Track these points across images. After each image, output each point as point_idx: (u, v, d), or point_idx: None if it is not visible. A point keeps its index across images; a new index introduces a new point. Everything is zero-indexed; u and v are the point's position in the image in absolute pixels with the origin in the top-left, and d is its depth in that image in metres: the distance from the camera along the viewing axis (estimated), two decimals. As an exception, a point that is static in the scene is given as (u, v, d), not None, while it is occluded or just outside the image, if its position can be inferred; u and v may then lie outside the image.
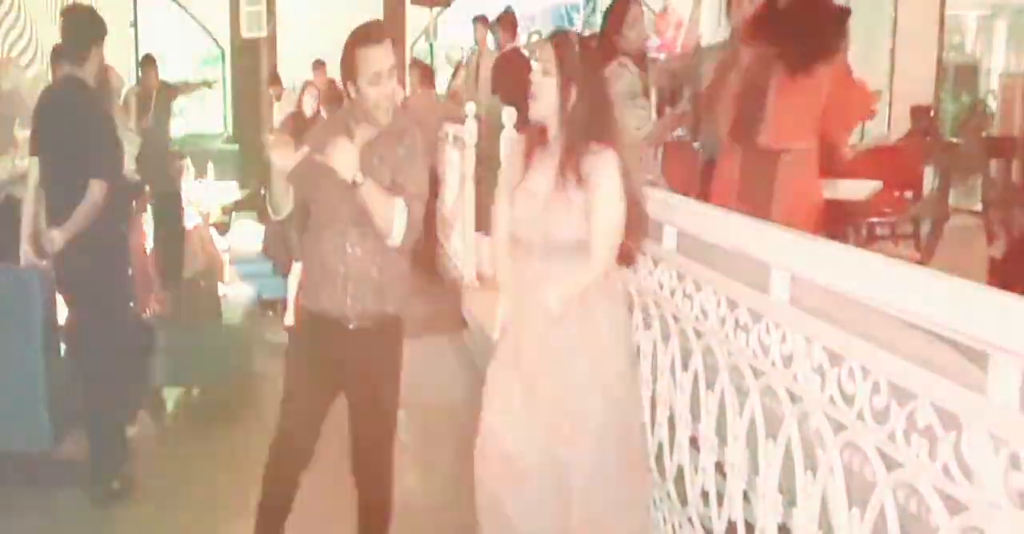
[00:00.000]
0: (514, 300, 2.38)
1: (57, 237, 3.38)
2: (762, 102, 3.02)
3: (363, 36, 2.38)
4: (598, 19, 8.65)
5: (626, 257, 2.34)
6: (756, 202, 3.01)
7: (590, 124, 2.19)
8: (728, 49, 3.33)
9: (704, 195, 3.37)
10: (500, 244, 2.41)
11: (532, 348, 2.28)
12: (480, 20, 8.48)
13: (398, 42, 12.75)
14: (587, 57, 2.24)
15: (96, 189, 3.36)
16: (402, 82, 7.47)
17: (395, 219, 2.38)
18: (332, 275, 2.48)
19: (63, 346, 3.82)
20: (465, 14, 11.60)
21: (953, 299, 1.40)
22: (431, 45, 12.48)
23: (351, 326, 2.50)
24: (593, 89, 2.21)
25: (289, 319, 5.46)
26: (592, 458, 2.23)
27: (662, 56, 7.65)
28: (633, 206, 2.27)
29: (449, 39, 12.02)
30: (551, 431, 2.24)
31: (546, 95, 2.19)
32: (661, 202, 2.80)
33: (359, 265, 2.47)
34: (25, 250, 3.62)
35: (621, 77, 3.91)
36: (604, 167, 2.19)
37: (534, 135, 2.30)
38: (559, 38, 2.25)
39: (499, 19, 8.21)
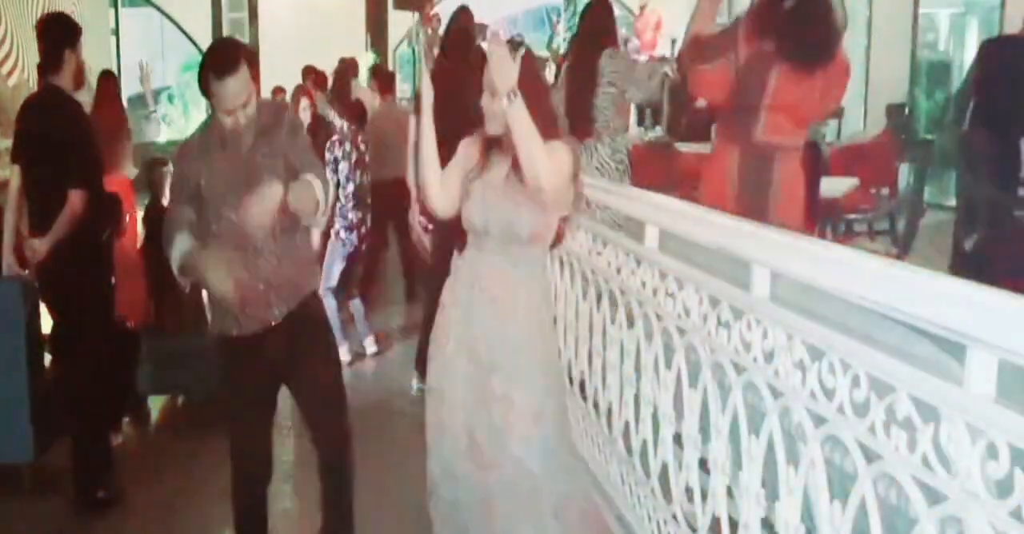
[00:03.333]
0: (463, 285, 2.38)
1: (39, 247, 3.36)
2: (760, 99, 3.01)
3: (208, 65, 2.40)
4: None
5: (558, 237, 2.42)
6: (755, 200, 3.01)
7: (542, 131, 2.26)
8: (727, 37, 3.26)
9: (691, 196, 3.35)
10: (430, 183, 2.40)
11: (483, 340, 2.31)
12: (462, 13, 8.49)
13: (380, 46, 12.74)
14: (528, 72, 2.29)
15: (75, 199, 3.34)
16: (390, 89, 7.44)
17: (319, 197, 2.40)
18: (253, 294, 2.47)
19: (47, 356, 3.80)
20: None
21: (930, 293, 1.42)
22: (413, 49, 12.47)
23: (272, 322, 2.53)
24: (536, 100, 2.26)
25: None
26: (548, 447, 2.30)
27: (642, 58, 7.68)
28: (567, 216, 2.38)
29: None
30: (505, 427, 2.29)
31: (497, 116, 2.26)
32: (643, 201, 2.82)
33: (276, 274, 2.50)
34: (7, 260, 3.60)
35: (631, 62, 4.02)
36: (557, 149, 2.26)
37: (488, 139, 2.37)
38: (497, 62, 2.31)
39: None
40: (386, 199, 5.41)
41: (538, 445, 2.29)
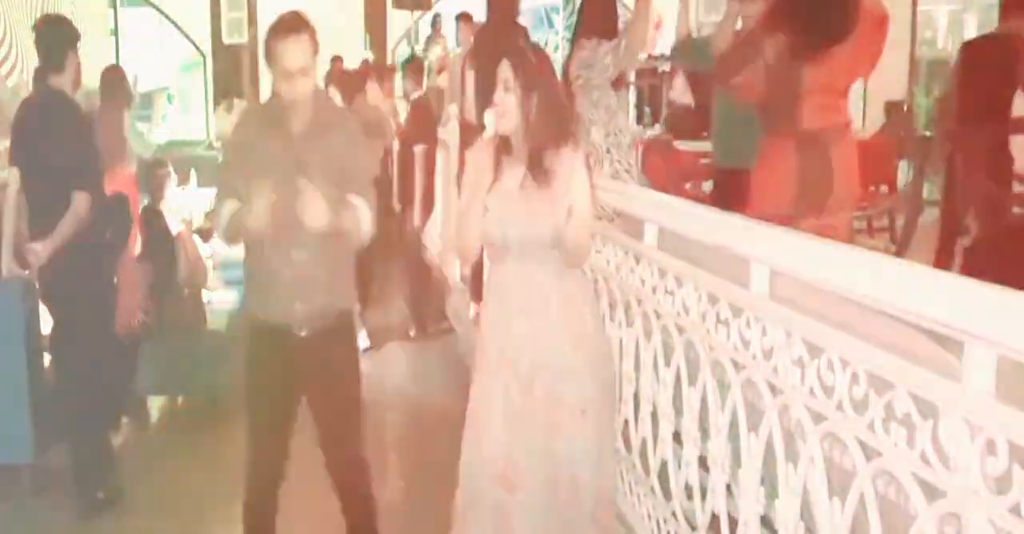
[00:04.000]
0: (493, 303, 2.38)
1: (41, 250, 3.35)
2: (796, 88, 3.00)
3: (281, 27, 2.41)
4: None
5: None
6: (818, 187, 3.00)
7: (551, 130, 2.27)
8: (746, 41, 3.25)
9: (737, 204, 3.29)
10: (473, 248, 2.40)
11: (521, 348, 2.28)
12: (463, 18, 8.45)
13: (379, 46, 12.78)
14: (543, 68, 2.30)
15: (80, 201, 3.34)
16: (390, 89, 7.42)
17: (363, 225, 2.40)
18: (278, 282, 2.45)
19: (47, 357, 3.80)
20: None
21: (928, 289, 1.41)
22: (412, 48, 12.47)
23: (303, 332, 2.48)
24: (551, 97, 2.28)
25: None
26: (592, 445, 2.27)
27: (642, 56, 7.67)
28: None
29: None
30: (549, 427, 2.26)
31: (510, 111, 2.26)
32: (642, 199, 2.82)
33: (305, 269, 2.45)
34: (7, 262, 3.59)
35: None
36: (573, 164, 2.27)
37: (500, 144, 2.34)
38: (515, 54, 2.32)
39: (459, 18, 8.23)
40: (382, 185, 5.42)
41: (582, 444, 2.26)
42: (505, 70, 2.26)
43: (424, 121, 6.72)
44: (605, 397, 2.34)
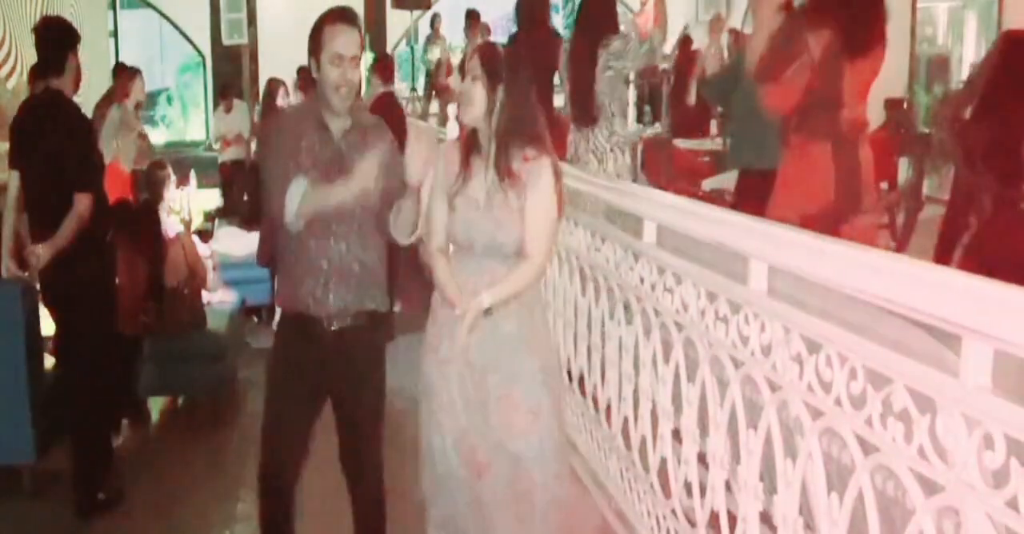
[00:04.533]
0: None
1: (43, 252, 3.35)
2: (839, 87, 3.00)
3: (335, 15, 2.43)
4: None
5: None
6: (850, 188, 3.00)
7: (519, 129, 2.28)
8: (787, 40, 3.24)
9: (750, 205, 3.28)
10: (437, 249, 2.43)
11: (477, 343, 2.29)
12: (472, 15, 8.45)
13: (379, 46, 12.79)
14: (512, 65, 2.31)
15: (82, 203, 3.34)
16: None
17: (416, 225, 2.41)
18: (314, 273, 2.45)
19: (48, 358, 3.80)
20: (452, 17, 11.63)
21: (925, 284, 1.41)
22: (412, 48, 12.47)
23: (333, 326, 2.47)
24: (518, 95, 2.28)
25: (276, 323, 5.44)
26: (546, 446, 2.30)
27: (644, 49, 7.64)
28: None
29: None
30: (502, 427, 2.29)
31: (476, 99, 2.27)
32: (641, 197, 2.82)
33: (342, 262, 2.45)
34: (6, 263, 3.59)
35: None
36: (539, 173, 2.28)
37: (468, 142, 2.36)
38: (484, 47, 2.37)
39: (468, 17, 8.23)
40: None
41: (536, 442, 2.29)
42: (474, 61, 2.30)
43: (385, 114, 6.75)
44: (554, 403, 2.37)
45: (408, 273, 5.40)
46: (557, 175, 2.31)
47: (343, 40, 2.39)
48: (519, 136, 2.28)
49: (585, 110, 4.17)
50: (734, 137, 4.38)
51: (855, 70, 2.99)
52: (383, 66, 6.91)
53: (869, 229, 2.92)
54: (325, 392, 2.57)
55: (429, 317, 2.43)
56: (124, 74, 6.93)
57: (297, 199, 2.37)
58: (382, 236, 2.50)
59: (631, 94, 5.20)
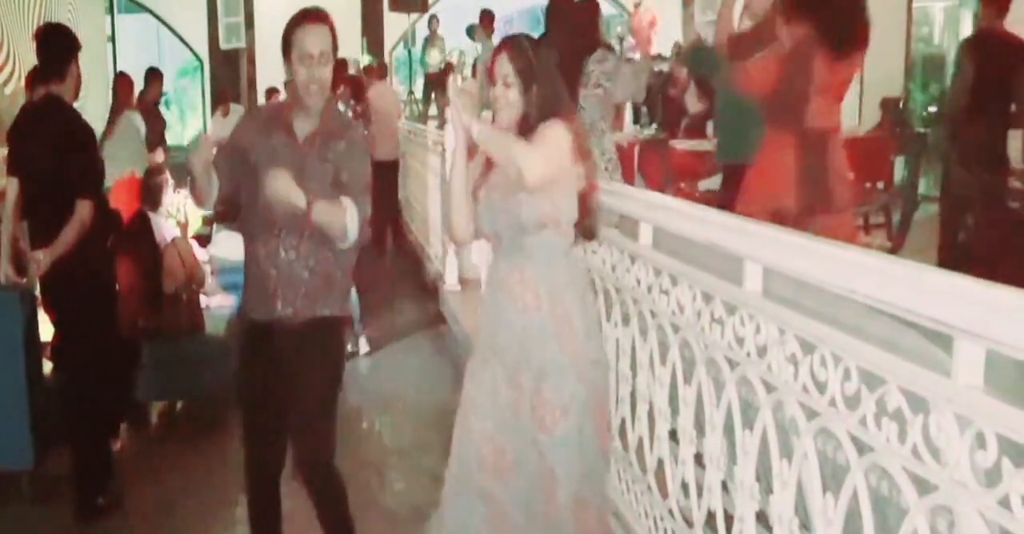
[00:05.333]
0: (488, 294, 2.41)
1: (43, 258, 3.36)
2: (808, 84, 3.00)
3: (302, 14, 2.47)
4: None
5: (587, 232, 2.41)
6: (816, 186, 3.00)
7: (545, 112, 2.29)
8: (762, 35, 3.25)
9: (732, 199, 3.30)
10: (463, 231, 2.43)
11: (509, 340, 2.30)
12: (486, 15, 8.42)
13: (377, 48, 12.80)
14: (541, 57, 2.32)
15: (83, 209, 3.35)
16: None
17: (348, 224, 2.40)
18: (264, 279, 2.49)
19: (47, 364, 3.80)
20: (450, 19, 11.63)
21: (917, 284, 1.42)
22: (409, 51, 12.49)
23: (284, 333, 2.51)
24: (549, 85, 2.31)
25: None
26: (572, 444, 2.27)
27: (636, 56, 7.67)
28: (589, 190, 2.36)
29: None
30: (533, 420, 2.27)
31: (511, 105, 2.29)
32: (637, 199, 2.83)
33: (290, 269, 2.47)
34: (6, 270, 3.60)
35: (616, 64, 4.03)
36: (552, 127, 2.27)
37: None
38: (512, 49, 2.32)
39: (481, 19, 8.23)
40: (383, 184, 5.44)
41: (561, 440, 2.25)
42: (505, 65, 2.28)
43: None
44: (592, 399, 2.30)
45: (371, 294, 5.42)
46: (575, 132, 2.28)
47: (309, 38, 2.42)
48: (543, 117, 2.28)
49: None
50: (720, 134, 4.40)
51: (828, 70, 2.98)
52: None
53: (840, 228, 2.91)
54: (284, 389, 2.58)
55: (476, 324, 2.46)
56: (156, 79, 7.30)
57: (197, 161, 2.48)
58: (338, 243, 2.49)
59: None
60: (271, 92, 7.79)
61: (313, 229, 2.42)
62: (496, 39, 8.19)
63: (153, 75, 8.33)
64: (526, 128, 2.30)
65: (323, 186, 2.42)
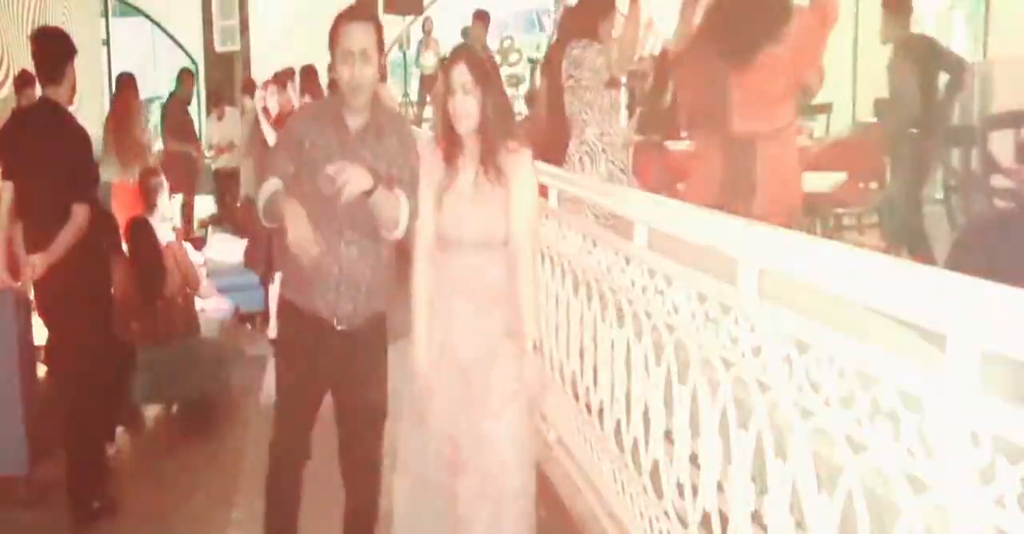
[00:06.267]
0: (441, 295, 2.44)
1: (39, 263, 3.35)
2: (722, 92, 3.03)
3: (344, 13, 2.47)
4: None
5: None
6: (740, 189, 3.02)
7: (502, 126, 2.39)
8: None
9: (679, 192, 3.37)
10: (424, 251, 2.46)
11: (464, 338, 2.38)
12: (479, 16, 8.38)
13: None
14: (493, 68, 2.46)
15: (80, 213, 3.34)
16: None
17: (401, 216, 2.40)
18: (325, 276, 2.48)
19: (41, 367, 3.79)
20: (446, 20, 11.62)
21: (912, 284, 1.42)
22: (404, 54, 12.48)
23: (340, 327, 2.51)
24: (500, 95, 2.42)
25: (273, 332, 5.44)
26: (518, 432, 2.39)
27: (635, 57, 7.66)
28: None
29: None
30: (483, 414, 2.35)
31: (471, 112, 2.35)
32: (631, 200, 2.83)
33: (354, 267, 2.49)
34: (0, 274, 3.58)
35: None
36: (522, 163, 2.41)
37: (452, 140, 2.42)
38: (470, 58, 2.40)
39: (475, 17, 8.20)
40: None
41: (507, 424, 2.36)
42: (463, 74, 2.34)
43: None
44: (524, 385, 2.42)
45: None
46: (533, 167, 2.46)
47: (350, 36, 2.42)
48: (502, 130, 2.38)
49: (559, 126, 4.10)
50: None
51: (752, 77, 3.01)
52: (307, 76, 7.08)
53: None
54: (326, 390, 2.63)
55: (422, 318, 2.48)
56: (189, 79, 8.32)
57: (265, 196, 2.43)
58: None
59: (622, 96, 5.20)
60: (266, 85, 7.76)
61: (371, 224, 2.43)
62: (490, 41, 8.15)
63: (186, 75, 8.96)
64: (488, 148, 2.37)
65: (375, 177, 2.39)
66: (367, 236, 2.47)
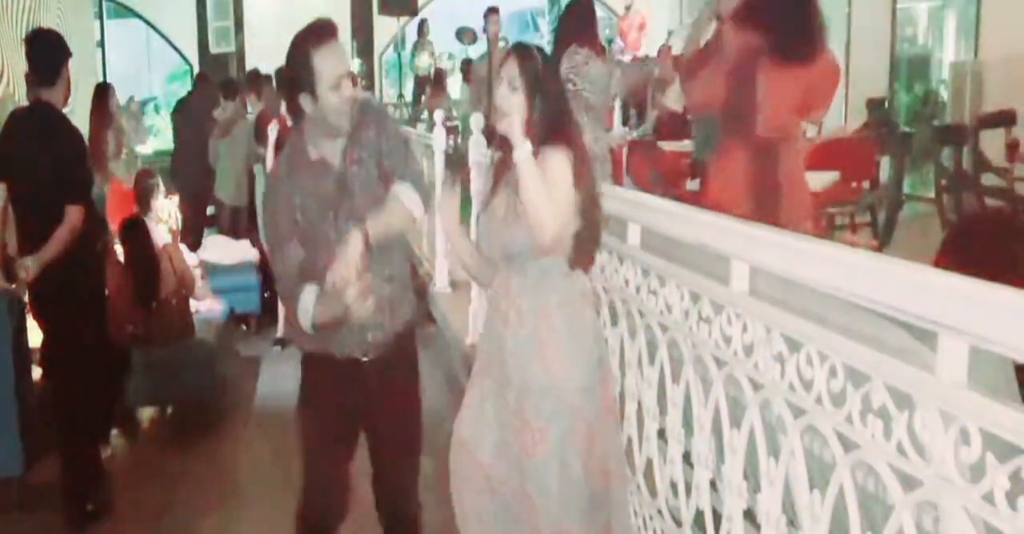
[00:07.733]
0: (488, 312, 2.38)
1: (32, 264, 3.35)
2: (753, 92, 2.99)
3: (315, 34, 2.19)
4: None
5: (576, 261, 2.30)
6: (765, 195, 3.00)
7: (550, 132, 2.20)
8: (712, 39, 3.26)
9: (701, 197, 3.33)
10: (472, 266, 2.41)
11: (497, 353, 2.28)
12: (491, 13, 8.31)
13: (366, 52, 12.79)
14: (548, 69, 2.27)
15: (74, 214, 3.34)
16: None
17: (411, 208, 2.27)
18: (353, 317, 2.22)
19: (36, 370, 3.79)
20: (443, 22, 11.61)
21: (900, 281, 1.43)
22: (399, 55, 12.48)
23: (365, 358, 2.36)
24: (555, 101, 2.24)
25: (281, 330, 5.43)
26: (551, 472, 2.18)
27: (626, 58, 7.70)
28: (590, 208, 2.27)
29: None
30: (516, 439, 2.23)
31: (514, 110, 2.17)
32: (625, 200, 2.83)
33: (382, 295, 2.29)
34: (-7, 276, 3.59)
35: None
36: (553, 155, 2.17)
37: (502, 160, 2.30)
38: (522, 53, 2.24)
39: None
40: None
41: (540, 466, 2.17)
42: (511, 68, 2.20)
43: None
44: (576, 428, 2.19)
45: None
46: (578, 171, 2.18)
47: (334, 60, 2.19)
48: (547, 138, 2.19)
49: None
50: (695, 131, 4.44)
51: (778, 79, 2.97)
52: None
53: None
54: (360, 425, 2.44)
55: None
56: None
57: (311, 309, 2.21)
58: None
59: (617, 106, 5.24)
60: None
61: (390, 246, 2.30)
62: (482, 40, 8.12)
63: (201, 79, 9.23)
64: (532, 138, 2.18)
65: (371, 188, 2.29)
66: (379, 252, 2.24)
